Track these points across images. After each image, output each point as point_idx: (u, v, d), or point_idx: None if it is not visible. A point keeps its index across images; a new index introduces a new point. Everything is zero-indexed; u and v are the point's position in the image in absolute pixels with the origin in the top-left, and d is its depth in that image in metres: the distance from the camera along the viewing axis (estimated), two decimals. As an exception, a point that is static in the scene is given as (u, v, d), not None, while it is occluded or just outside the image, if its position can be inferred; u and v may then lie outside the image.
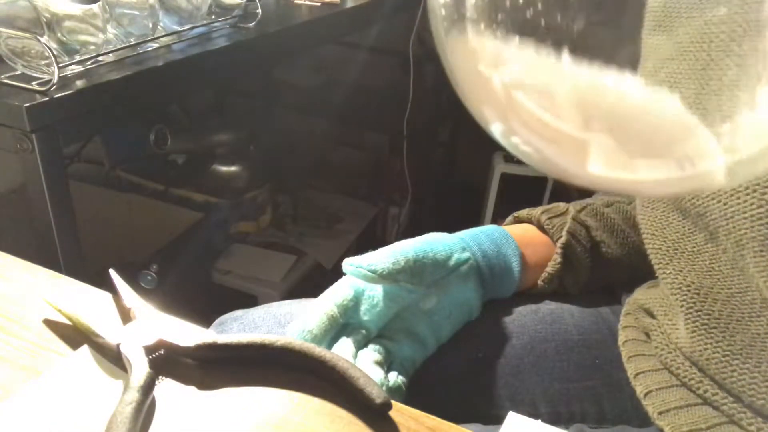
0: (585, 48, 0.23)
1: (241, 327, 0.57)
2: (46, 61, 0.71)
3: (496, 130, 0.26)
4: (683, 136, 0.24)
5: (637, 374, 0.51)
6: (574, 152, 0.25)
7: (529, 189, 1.73)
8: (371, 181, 1.87)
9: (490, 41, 0.24)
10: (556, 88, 0.24)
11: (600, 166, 0.24)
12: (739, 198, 0.39)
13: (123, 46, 0.84)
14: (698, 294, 0.45)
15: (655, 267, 0.50)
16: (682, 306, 0.47)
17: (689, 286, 0.46)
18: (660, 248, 0.49)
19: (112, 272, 0.43)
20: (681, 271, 0.47)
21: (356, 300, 0.50)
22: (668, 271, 0.48)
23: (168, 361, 0.37)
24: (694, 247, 0.46)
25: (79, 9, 0.76)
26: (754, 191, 0.38)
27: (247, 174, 1.49)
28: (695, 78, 0.34)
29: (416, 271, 0.50)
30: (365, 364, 0.48)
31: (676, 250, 0.47)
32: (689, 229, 0.46)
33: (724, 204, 0.40)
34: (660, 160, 0.24)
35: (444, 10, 0.25)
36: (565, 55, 0.23)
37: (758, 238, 0.38)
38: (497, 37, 0.24)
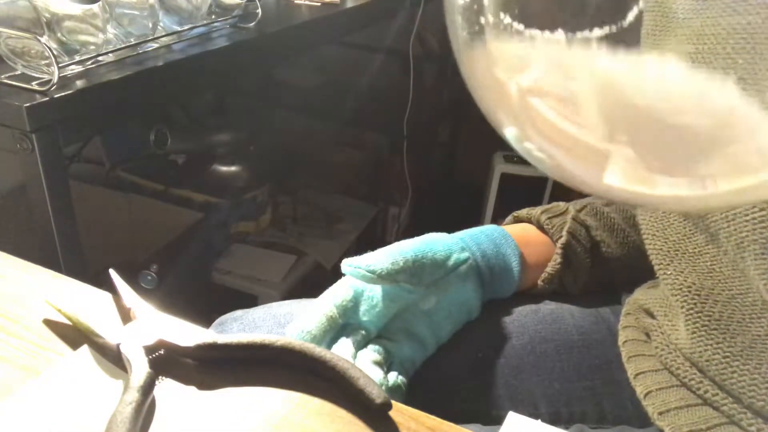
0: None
1: (241, 327, 0.57)
2: (46, 61, 0.71)
3: (510, 134, 0.25)
4: (714, 149, 0.23)
5: (637, 374, 0.51)
6: (591, 162, 0.24)
7: (529, 189, 1.73)
8: (371, 181, 1.87)
9: (512, 44, 0.23)
10: (583, 89, 0.23)
11: (617, 178, 0.23)
12: None
13: (123, 46, 0.84)
14: (699, 295, 0.45)
15: (656, 268, 0.50)
16: (682, 307, 0.47)
17: (690, 287, 0.46)
18: (661, 249, 0.49)
19: (112, 272, 0.43)
20: (682, 272, 0.47)
21: (355, 300, 0.50)
22: (669, 272, 0.48)
23: (168, 361, 0.37)
24: (695, 248, 0.46)
25: (79, 9, 0.76)
26: None
27: (247, 174, 1.49)
28: None
29: (415, 272, 0.50)
30: (364, 364, 0.48)
31: (677, 251, 0.47)
32: (690, 230, 0.46)
33: None
34: (682, 179, 0.23)
35: (462, 16, 0.24)
36: (597, 44, 0.22)
37: (760, 240, 0.38)
38: (516, 33, 0.23)
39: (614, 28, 0.23)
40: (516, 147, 0.25)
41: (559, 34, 0.23)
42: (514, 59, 0.24)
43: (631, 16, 0.23)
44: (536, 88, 0.24)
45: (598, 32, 0.23)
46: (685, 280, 0.46)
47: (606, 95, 0.23)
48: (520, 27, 0.23)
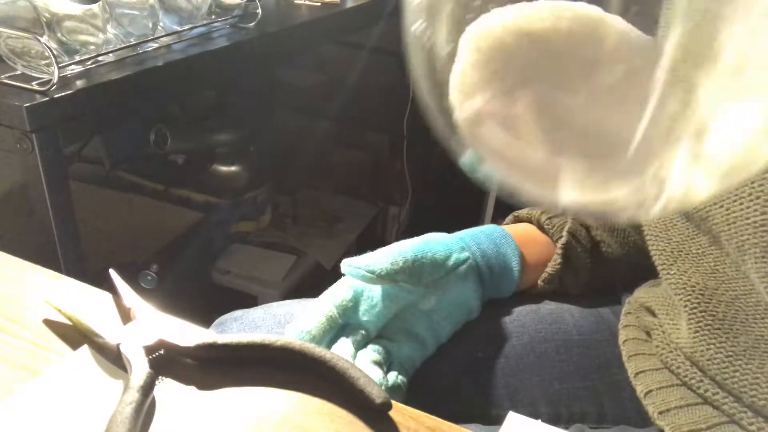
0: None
1: (241, 327, 0.57)
2: (46, 61, 0.71)
3: (467, 160, 0.26)
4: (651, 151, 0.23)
5: (637, 373, 0.51)
6: (546, 178, 0.24)
7: (529, 189, 1.72)
8: (371, 181, 1.87)
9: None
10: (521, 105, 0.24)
11: (573, 190, 0.24)
12: (742, 204, 0.39)
13: (123, 46, 0.84)
14: (702, 295, 0.45)
15: (659, 268, 0.50)
16: (685, 306, 0.46)
17: (693, 287, 0.46)
18: (664, 250, 0.49)
19: (112, 272, 0.43)
20: (685, 272, 0.47)
21: (355, 300, 0.50)
22: (672, 272, 0.48)
23: (168, 361, 0.37)
24: (699, 249, 0.46)
25: (79, 9, 0.76)
26: (758, 198, 0.38)
27: (247, 174, 1.49)
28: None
29: (415, 272, 0.50)
30: (364, 364, 0.48)
31: (681, 251, 0.47)
32: (693, 232, 0.46)
33: (727, 210, 0.40)
34: (634, 181, 0.24)
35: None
36: None
37: (761, 244, 0.38)
38: None
39: None
40: (477, 175, 0.26)
41: None
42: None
43: None
44: (481, 113, 0.24)
45: None
46: (689, 280, 0.46)
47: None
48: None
